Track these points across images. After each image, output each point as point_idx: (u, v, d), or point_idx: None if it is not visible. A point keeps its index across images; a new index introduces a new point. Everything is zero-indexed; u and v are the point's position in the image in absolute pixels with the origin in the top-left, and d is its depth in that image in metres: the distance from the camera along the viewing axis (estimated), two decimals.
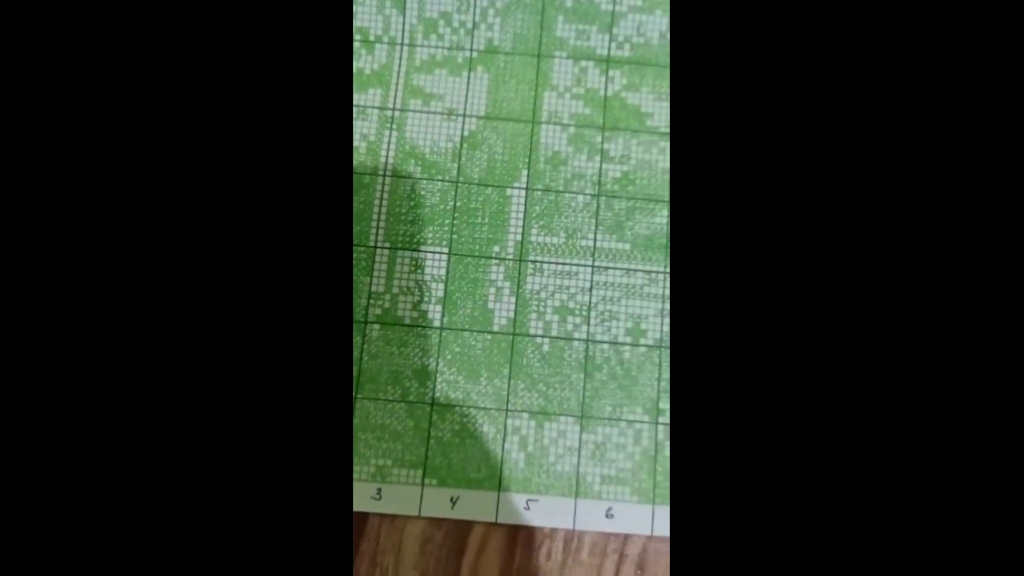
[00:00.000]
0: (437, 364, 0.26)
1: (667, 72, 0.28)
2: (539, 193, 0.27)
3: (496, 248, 0.27)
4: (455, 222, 0.27)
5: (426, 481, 0.25)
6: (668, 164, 0.28)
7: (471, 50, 0.28)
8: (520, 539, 0.25)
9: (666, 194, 0.27)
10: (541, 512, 0.25)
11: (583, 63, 0.28)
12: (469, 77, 0.28)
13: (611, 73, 0.28)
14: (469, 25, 0.28)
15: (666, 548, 0.25)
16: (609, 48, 0.28)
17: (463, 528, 0.25)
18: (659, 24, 0.28)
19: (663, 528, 0.25)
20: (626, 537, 0.25)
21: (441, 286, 0.27)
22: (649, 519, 0.25)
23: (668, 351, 0.26)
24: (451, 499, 0.25)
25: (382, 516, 0.25)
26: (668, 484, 0.25)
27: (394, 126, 0.28)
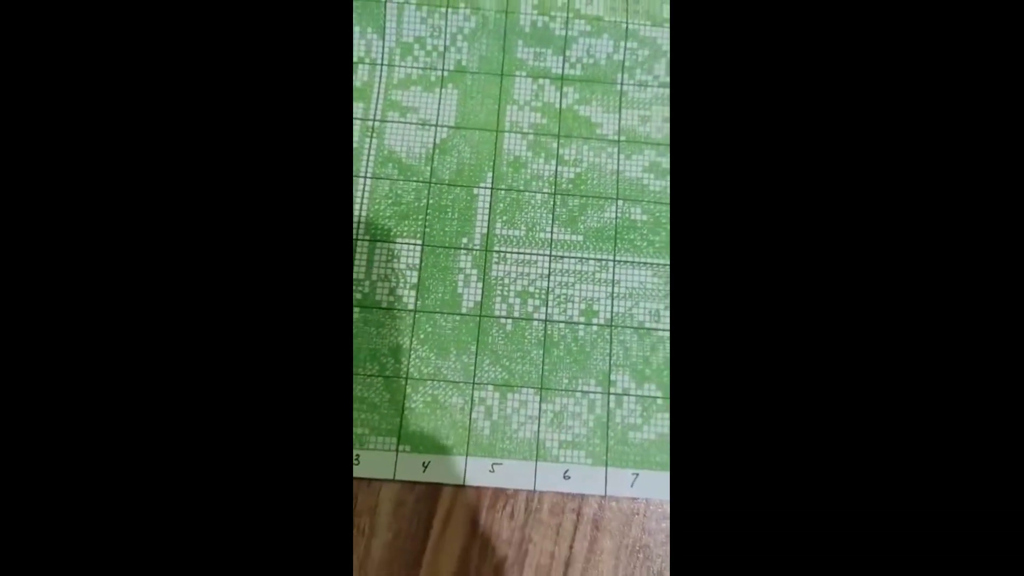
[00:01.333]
0: (411, 343, 0.29)
1: (614, 87, 0.32)
2: (502, 192, 0.31)
3: (464, 240, 0.30)
4: (428, 217, 0.30)
5: (400, 448, 0.28)
6: (616, 166, 0.31)
7: (442, 70, 0.32)
8: (485, 500, 0.27)
9: (614, 192, 0.31)
10: (504, 475, 0.28)
11: (540, 80, 0.32)
12: (441, 93, 0.32)
13: (565, 89, 0.32)
14: (441, 48, 0.32)
15: (619, 506, 0.27)
16: (563, 68, 0.32)
17: (434, 491, 0.27)
18: (606, 47, 0.33)
19: (616, 489, 0.28)
20: (582, 497, 0.28)
21: (415, 274, 0.30)
22: (603, 480, 0.28)
23: (617, 329, 0.29)
24: (423, 464, 0.28)
25: (359, 480, 0.27)
26: (620, 447, 0.28)
27: (374, 135, 0.31)
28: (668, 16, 0.33)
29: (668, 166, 0.31)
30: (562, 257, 0.30)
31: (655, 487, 0.28)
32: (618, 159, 0.31)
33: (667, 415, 0.28)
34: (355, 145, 0.31)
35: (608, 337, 0.29)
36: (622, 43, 0.33)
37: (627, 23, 0.33)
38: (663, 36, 0.33)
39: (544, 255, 0.30)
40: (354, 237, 0.30)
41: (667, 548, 0.27)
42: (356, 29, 0.32)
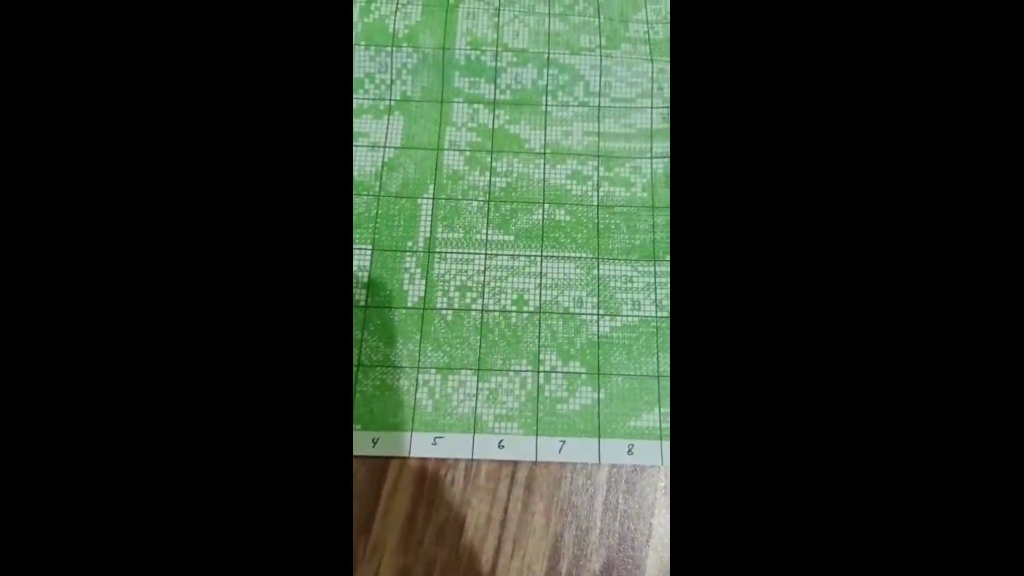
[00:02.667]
0: (363, 335, 0.33)
1: (540, 108, 0.37)
2: (443, 201, 0.35)
3: (409, 243, 0.34)
4: (377, 225, 0.35)
5: (353, 426, 0.31)
6: (542, 175, 0.36)
7: (390, 100, 0.37)
8: (429, 470, 0.31)
9: (540, 197, 0.35)
10: (445, 447, 0.31)
11: (475, 105, 0.37)
12: (388, 119, 0.37)
13: (497, 112, 0.37)
14: (388, 82, 0.37)
15: (548, 470, 0.31)
16: (495, 94, 0.37)
17: (382, 463, 0.31)
18: (531, 74, 0.37)
19: (545, 455, 0.31)
20: (515, 464, 0.31)
21: (366, 274, 0.34)
22: (533, 448, 0.31)
23: (545, 315, 0.33)
24: (373, 440, 0.31)
25: None
26: (548, 418, 0.31)
27: None
28: (584, 45, 0.38)
29: (587, 173, 0.36)
30: (496, 255, 0.34)
31: (580, 452, 0.31)
32: (544, 169, 0.36)
33: (589, 388, 0.32)
34: None
35: (537, 322, 0.33)
36: (545, 70, 0.38)
37: (549, 53, 0.38)
38: (580, 63, 0.38)
39: (480, 254, 0.34)
40: None
41: (593, 507, 0.30)
42: None
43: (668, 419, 0.31)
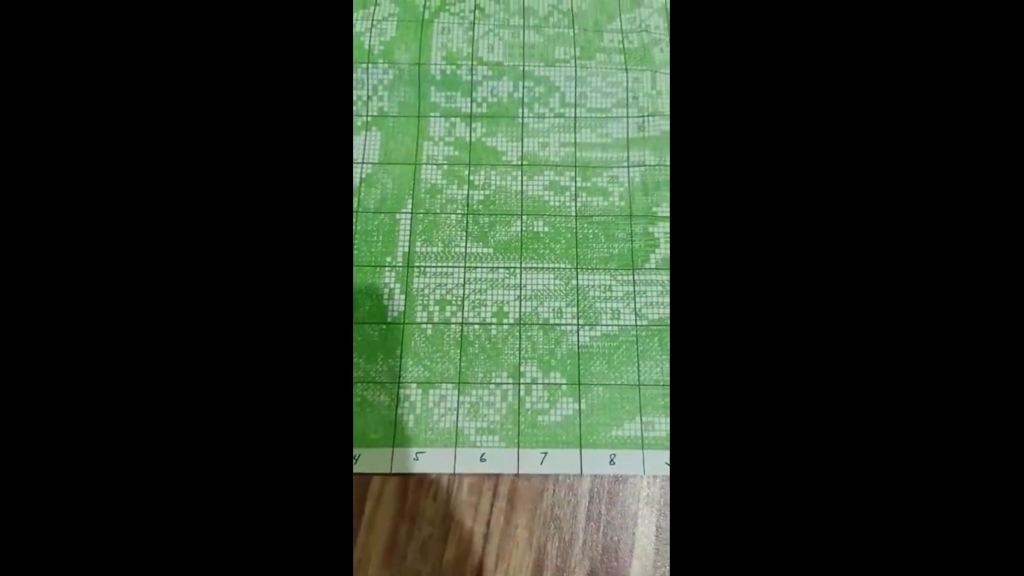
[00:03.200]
0: None
1: (516, 120, 0.37)
2: (421, 215, 0.35)
3: (388, 259, 0.34)
4: (356, 242, 0.35)
5: None
6: (520, 186, 0.36)
7: (367, 116, 0.37)
8: (411, 485, 0.31)
9: (518, 209, 0.35)
10: (427, 461, 0.31)
11: (452, 119, 0.37)
12: (366, 135, 0.37)
13: (473, 125, 0.37)
14: (364, 98, 0.37)
15: (530, 483, 0.30)
16: (471, 107, 0.37)
17: (364, 480, 0.31)
18: (507, 87, 0.38)
19: (527, 467, 0.31)
20: (498, 477, 0.31)
21: None
22: (515, 460, 0.31)
23: (525, 327, 0.33)
24: (355, 456, 0.31)
25: None
26: (529, 430, 0.31)
27: None
28: (559, 57, 0.38)
29: (565, 184, 0.36)
30: (475, 268, 0.34)
31: (562, 463, 0.31)
32: (521, 180, 0.36)
33: (570, 399, 0.32)
34: None
35: (517, 334, 0.33)
36: (520, 83, 0.38)
37: (523, 66, 0.38)
38: (555, 74, 0.38)
39: (459, 267, 0.34)
40: None
41: (576, 518, 0.30)
42: None
43: (649, 428, 0.31)
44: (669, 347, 0.33)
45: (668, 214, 0.35)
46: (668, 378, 0.32)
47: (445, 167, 0.36)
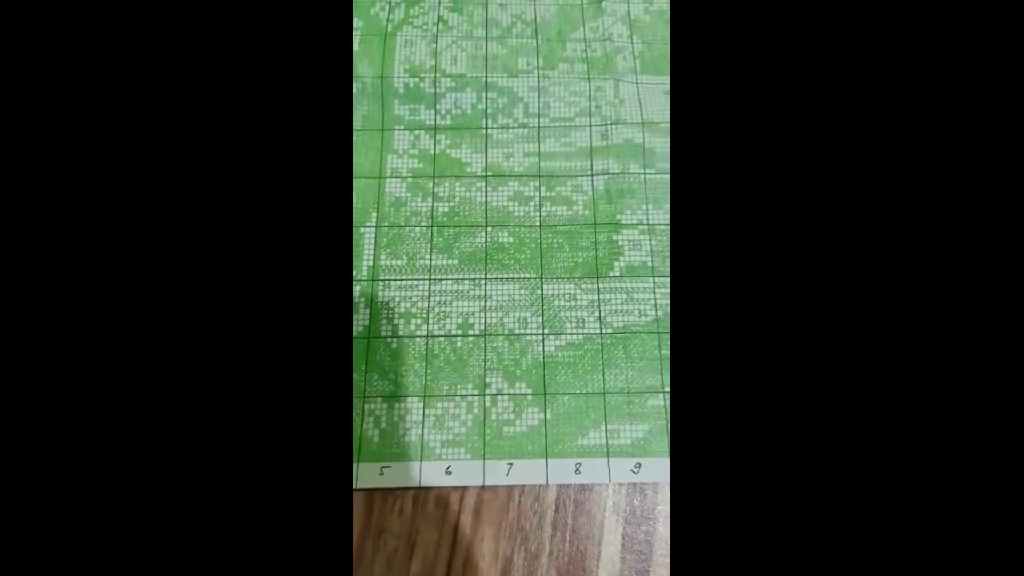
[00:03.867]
0: None
1: (480, 132, 0.37)
2: (386, 228, 0.35)
3: (354, 273, 0.34)
4: None
5: None
6: (484, 197, 0.36)
7: None
8: (376, 500, 0.30)
9: (483, 220, 0.35)
10: (393, 476, 0.31)
11: (416, 132, 0.37)
12: None
13: (438, 137, 0.37)
14: None
15: (496, 494, 0.30)
16: (435, 119, 0.38)
17: None
18: (470, 98, 0.38)
19: (493, 479, 0.31)
20: (464, 489, 0.31)
21: None
22: (481, 472, 0.31)
23: (490, 337, 0.33)
24: None
25: None
26: (495, 442, 0.31)
27: None
28: (522, 68, 0.38)
29: (529, 194, 0.36)
30: (440, 279, 0.34)
31: (527, 474, 0.31)
32: (486, 191, 0.36)
33: (536, 409, 0.32)
34: None
35: (483, 345, 0.33)
36: (484, 94, 0.38)
37: (487, 77, 0.38)
38: (518, 85, 0.38)
39: (424, 279, 0.34)
40: None
41: (542, 529, 0.30)
42: None
43: (614, 436, 0.31)
44: (635, 355, 0.33)
45: (632, 221, 0.35)
46: (632, 385, 0.32)
47: (409, 180, 0.36)
